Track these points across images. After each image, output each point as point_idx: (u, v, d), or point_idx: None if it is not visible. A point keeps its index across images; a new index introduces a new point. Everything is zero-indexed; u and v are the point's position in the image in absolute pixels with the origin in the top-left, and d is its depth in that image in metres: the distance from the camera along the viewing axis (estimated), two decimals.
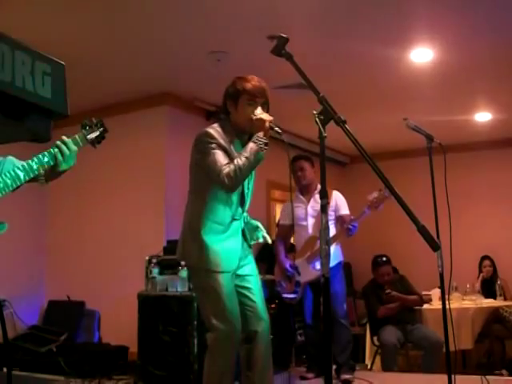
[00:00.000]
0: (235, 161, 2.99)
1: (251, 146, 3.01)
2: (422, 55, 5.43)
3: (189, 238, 3.16)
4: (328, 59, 5.52)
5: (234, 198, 3.15)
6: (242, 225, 3.25)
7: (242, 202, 3.22)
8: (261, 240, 3.40)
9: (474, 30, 4.92)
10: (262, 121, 3.05)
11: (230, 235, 3.14)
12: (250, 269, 3.27)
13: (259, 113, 3.09)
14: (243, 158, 2.98)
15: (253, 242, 3.39)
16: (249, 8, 4.49)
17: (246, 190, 3.23)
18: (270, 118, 3.06)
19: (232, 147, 3.11)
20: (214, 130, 3.12)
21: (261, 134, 3.04)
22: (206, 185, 3.12)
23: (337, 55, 5.46)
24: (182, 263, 4.86)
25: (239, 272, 3.21)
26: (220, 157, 3.03)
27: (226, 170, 2.97)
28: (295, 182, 5.18)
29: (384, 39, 5.07)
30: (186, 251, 3.19)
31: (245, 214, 3.30)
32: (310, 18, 4.68)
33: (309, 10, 4.54)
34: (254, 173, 3.28)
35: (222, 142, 3.08)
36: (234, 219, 3.17)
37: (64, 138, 2.28)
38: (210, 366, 3.11)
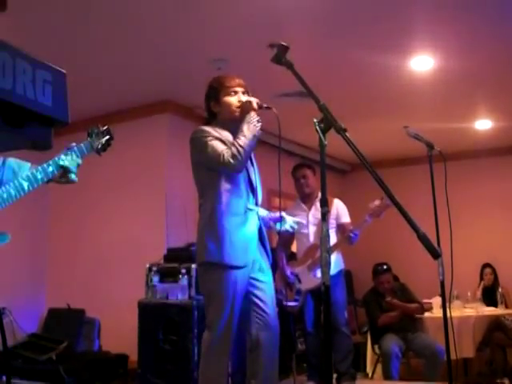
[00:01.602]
0: (234, 142, 3.04)
1: (245, 125, 3.08)
2: (422, 63, 5.44)
3: (206, 236, 3.11)
4: (329, 67, 5.53)
5: (242, 186, 3.15)
6: (259, 222, 3.22)
7: (252, 191, 3.21)
8: (290, 230, 3.43)
9: (474, 38, 4.93)
10: (249, 102, 3.13)
11: (248, 227, 3.11)
12: (264, 276, 3.21)
13: (245, 98, 3.19)
14: (241, 137, 3.04)
15: (284, 229, 3.39)
16: (249, 16, 4.50)
17: (252, 178, 3.23)
18: (255, 99, 3.15)
19: (225, 138, 3.14)
20: (207, 126, 3.19)
21: (250, 112, 3.11)
22: (213, 181, 3.12)
23: (337, 63, 5.47)
24: (183, 271, 4.87)
25: (253, 275, 3.15)
26: (218, 144, 3.07)
27: (229, 152, 3.00)
28: (297, 190, 5.19)
29: (384, 47, 5.08)
30: (204, 249, 3.11)
31: (259, 210, 3.28)
32: (310, 27, 4.69)
33: (309, 18, 4.55)
34: (256, 166, 3.32)
35: (216, 134, 3.12)
36: (248, 209, 3.15)
37: (73, 144, 2.28)
38: (204, 369, 3.10)
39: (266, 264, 3.24)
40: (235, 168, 3.05)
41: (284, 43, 2.40)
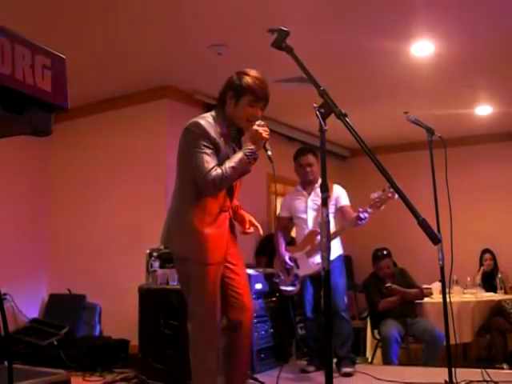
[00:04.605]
0: (223, 168, 2.97)
1: (241, 157, 3.00)
2: (422, 48, 5.42)
3: (177, 227, 3.15)
4: (329, 53, 5.51)
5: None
6: (229, 215, 3.26)
7: (230, 193, 3.21)
8: (250, 230, 3.43)
9: (474, 23, 4.90)
10: (259, 135, 3.04)
11: (218, 227, 3.13)
12: (235, 258, 3.28)
13: (261, 124, 3.07)
14: (231, 168, 2.97)
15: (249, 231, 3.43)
16: (249, 1, 4.48)
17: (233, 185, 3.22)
18: (267, 137, 3.06)
19: (222, 139, 3.09)
20: (206, 121, 3.08)
21: (252, 146, 3.03)
22: (194, 177, 3.09)
23: (337, 49, 5.44)
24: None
25: (226, 259, 3.22)
26: (207, 157, 2.99)
27: (213, 174, 2.95)
28: (300, 176, 5.19)
29: (385, 32, 5.06)
30: (173, 241, 3.19)
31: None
32: (310, 11, 4.67)
33: (309, 3, 4.53)
34: None
35: (212, 134, 3.04)
36: (222, 211, 3.15)
37: None
38: (194, 360, 3.12)
39: (235, 246, 3.31)
40: (208, 193, 3.05)
41: (284, 28, 2.39)
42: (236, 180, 3.13)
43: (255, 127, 3.06)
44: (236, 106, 3.15)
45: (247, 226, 3.40)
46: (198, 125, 3.06)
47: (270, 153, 3.07)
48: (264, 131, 3.06)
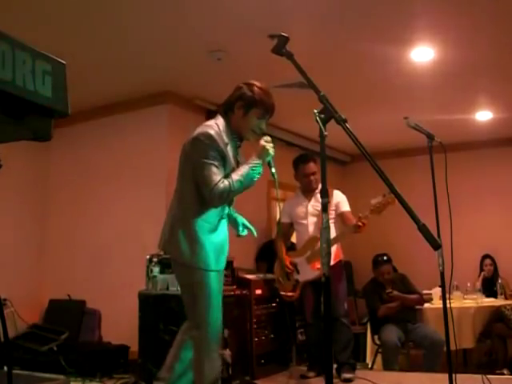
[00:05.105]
0: (230, 181, 3.00)
1: (247, 171, 3.05)
2: (422, 54, 5.42)
3: (180, 235, 3.11)
4: (329, 58, 5.51)
5: None
6: (227, 223, 3.30)
7: (228, 203, 3.25)
8: (244, 233, 3.45)
9: (474, 29, 4.91)
10: (266, 151, 3.11)
11: (219, 234, 3.15)
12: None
13: (268, 140, 3.14)
14: (238, 182, 3.01)
15: (243, 234, 3.46)
16: (249, 7, 4.48)
17: None
18: (272, 154, 3.13)
19: (228, 147, 3.12)
20: (215, 131, 3.08)
21: (258, 160, 3.09)
22: (197, 185, 3.11)
23: (337, 54, 5.45)
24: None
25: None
26: (215, 169, 3.01)
27: (220, 187, 2.97)
28: (304, 184, 5.18)
29: (385, 38, 5.07)
30: (176, 248, 3.14)
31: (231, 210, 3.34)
32: (310, 17, 4.67)
33: (309, 8, 4.53)
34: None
35: (221, 145, 3.05)
36: (221, 218, 3.18)
37: None
38: (204, 368, 3.08)
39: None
40: (214, 205, 3.07)
41: (284, 34, 2.40)
42: (241, 193, 3.14)
43: (263, 143, 3.13)
44: (244, 117, 3.17)
45: (241, 229, 3.41)
46: (208, 135, 3.05)
47: (274, 170, 3.13)
48: (270, 148, 3.12)
